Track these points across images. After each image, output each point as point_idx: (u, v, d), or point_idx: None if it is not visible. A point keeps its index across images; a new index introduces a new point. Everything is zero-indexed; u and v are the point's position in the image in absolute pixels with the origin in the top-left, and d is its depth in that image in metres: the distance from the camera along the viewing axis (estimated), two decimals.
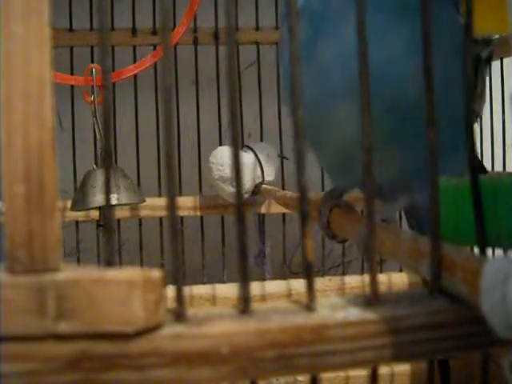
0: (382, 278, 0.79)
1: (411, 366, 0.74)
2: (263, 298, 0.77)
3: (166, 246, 0.91)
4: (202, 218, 0.92)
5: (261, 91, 0.94)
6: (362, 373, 0.72)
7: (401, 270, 0.85)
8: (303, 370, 0.25)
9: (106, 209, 0.26)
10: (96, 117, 0.80)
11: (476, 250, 0.28)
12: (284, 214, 0.93)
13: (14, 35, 0.24)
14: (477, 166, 0.49)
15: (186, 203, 0.89)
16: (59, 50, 0.88)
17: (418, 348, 0.25)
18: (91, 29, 0.91)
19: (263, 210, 0.90)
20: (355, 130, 0.44)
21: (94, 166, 0.82)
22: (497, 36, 0.72)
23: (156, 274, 0.24)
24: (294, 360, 0.24)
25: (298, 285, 0.78)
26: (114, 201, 0.77)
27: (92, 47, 0.91)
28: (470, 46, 0.28)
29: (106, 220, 0.33)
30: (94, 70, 0.80)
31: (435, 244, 0.27)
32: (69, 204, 0.81)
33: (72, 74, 0.89)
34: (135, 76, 0.89)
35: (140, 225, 0.92)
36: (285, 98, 0.51)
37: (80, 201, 0.78)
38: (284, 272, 0.93)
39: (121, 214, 0.87)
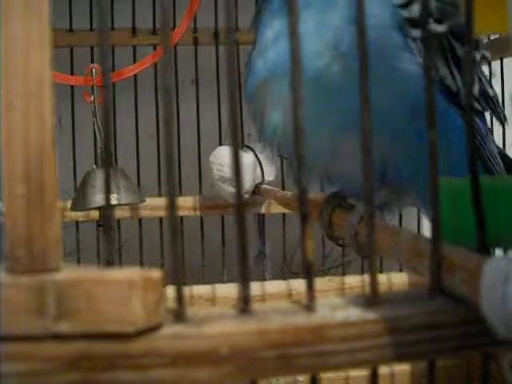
0: (381, 278, 0.79)
1: (411, 366, 0.74)
2: (263, 297, 0.77)
3: (166, 246, 0.91)
4: (201, 218, 0.92)
5: None
6: (362, 373, 0.72)
7: (401, 270, 0.85)
8: (303, 370, 0.25)
9: (106, 209, 0.26)
10: (96, 117, 0.80)
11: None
12: (284, 214, 0.93)
13: (13, 35, 0.24)
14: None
15: (186, 203, 0.89)
16: (59, 50, 0.88)
17: (418, 348, 0.25)
18: (91, 29, 0.91)
19: (263, 210, 0.90)
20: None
21: (94, 166, 0.82)
22: (497, 36, 0.72)
23: (156, 274, 0.24)
24: (294, 360, 0.24)
25: (298, 285, 0.78)
26: (114, 201, 0.77)
27: (92, 47, 0.91)
28: (471, 46, 0.28)
29: (106, 220, 0.33)
30: (93, 70, 0.80)
31: (435, 244, 0.27)
32: (69, 204, 0.81)
33: (72, 74, 0.89)
34: (135, 76, 0.89)
35: (140, 225, 0.92)
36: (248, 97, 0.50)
37: (80, 201, 0.78)
38: (284, 272, 0.93)
39: (121, 214, 0.87)
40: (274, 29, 0.46)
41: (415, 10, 0.44)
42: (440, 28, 0.45)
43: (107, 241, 0.25)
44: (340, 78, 0.44)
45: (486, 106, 0.51)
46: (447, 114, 0.45)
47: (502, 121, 0.54)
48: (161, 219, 0.91)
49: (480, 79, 0.51)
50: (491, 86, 0.53)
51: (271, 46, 0.46)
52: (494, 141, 0.54)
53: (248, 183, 0.84)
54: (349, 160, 0.45)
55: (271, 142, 0.49)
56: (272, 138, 0.48)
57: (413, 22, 0.44)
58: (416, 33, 0.44)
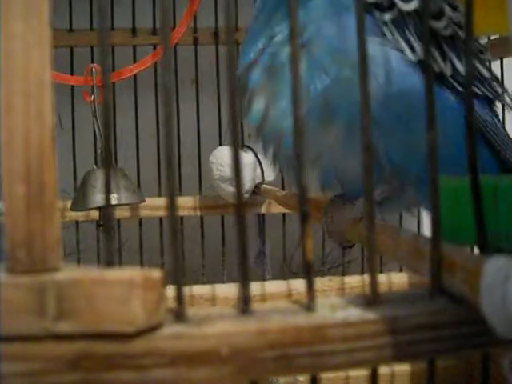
0: (381, 278, 0.79)
1: (411, 366, 0.74)
2: (263, 297, 0.77)
3: (166, 246, 0.91)
4: (202, 218, 0.92)
5: None
6: (362, 373, 0.72)
7: (401, 270, 0.85)
8: (303, 369, 0.25)
9: (106, 209, 0.26)
10: (96, 117, 0.80)
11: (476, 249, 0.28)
12: (284, 214, 0.93)
13: (13, 35, 0.24)
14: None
15: (186, 203, 0.89)
16: (59, 50, 0.88)
17: (418, 348, 0.25)
18: (91, 29, 0.91)
19: (263, 210, 0.90)
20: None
21: (94, 166, 0.82)
22: (497, 36, 0.72)
23: (156, 273, 0.24)
24: (294, 360, 0.24)
25: (298, 285, 0.77)
26: (114, 201, 0.77)
27: (92, 47, 0.91)
28: (470, 46, 0.28)
29: (106, 220, 0.33)
30: (93, 70, 0.80)
31: (435, 244, 0.27)
32: (69, 204, 0.81)
33: (72, 74, 0.89)
34: (135, 76, 0.89)
35: (140, 225, 0.92)
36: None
37: (80, 201, 0.78)
38: (284, 272, 0.93)
39: (121, 213, 0.87)
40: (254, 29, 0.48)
41: None
42: (408, 6, 0.45)
43: (107, 241, 0.25)
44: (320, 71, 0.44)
45: (483, 89, 0.50)
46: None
47: (510, 105, 0.53)
48: (161, 219, 0.91)
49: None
50: (490, 69, 0.53)
51: (250, 40, 0.49)
52: (504, 128, 0.53)
53: (248, 183, 0.84)
54: (351, 160, 0.44)
55: (257, 128, 0.50)
56: (256, 124, 0.49)
57: (379, 6, 0.44)
58: (386, 16, 0.44)
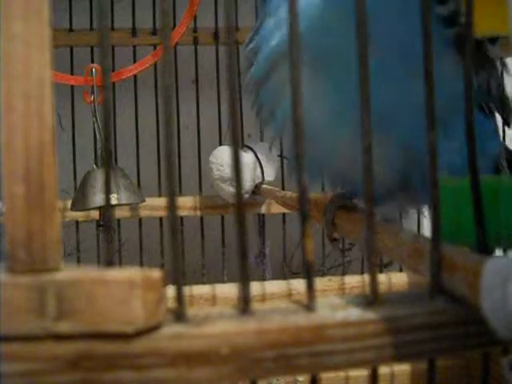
0: (382, 278, 0.79)
1: (411, 366, 0.74)
2: (263, 297, 0.77)
3: (166, 246, 0.91)
4: (202, 218, 0.92)
5: None
6: (362, 373, 0.72)
7: (401, 270, 0.85)
8: (303, 369, 0.25)
9: (106, 209, 0.26)
10: (96, 117, 0.80)
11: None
12: (284, 214, 0.93)
13: (14, 35, 0.24)
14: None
15: (186, 203, 0.89)
16: (59, 50, 0.88)
17: (418, 348, 0.25)
18: (91, 29, 0.91)
19: (263, 210, 0.90)
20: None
21: (94, 166, 0.82)
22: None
23: (156, 274, 0.24)
24: (293, 360, 0.24)
25: (298, 285, 0.78)
26: (113, 201, 0.77)
27: (92, 47, 0.91)
28: (470, 46, 0.28)
29: (106, 220, 0.33)
30: (93, 69, 0.80)
31: (435, 244, 0.27)
32: (69, 204, 0.81)
33: (72, 74, 0.89)
34: (135, 76, 0.89)
35: (140, 225, 0.92)
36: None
37: (80, 201, 0.78)
38: (284, 272, 0.93)
39: (121, 214, 0.87)
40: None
41: (451, 7, 0.40)
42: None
43: (107, 241, 0.25)
44: (341, 46, 0.39)
45: (498, 107, 0.50)
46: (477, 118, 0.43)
47: (509, 122, 0.53)
48: (161, 219, 0.91)
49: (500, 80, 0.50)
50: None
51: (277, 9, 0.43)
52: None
53: (248, 183, 0.84)
54: (353, 159, 0.44)
55: (280, 125, 0.45)
56: (282, 120, 0.45)
57: (448, 20, 0.41)
58: (450, 31, 0.41)
